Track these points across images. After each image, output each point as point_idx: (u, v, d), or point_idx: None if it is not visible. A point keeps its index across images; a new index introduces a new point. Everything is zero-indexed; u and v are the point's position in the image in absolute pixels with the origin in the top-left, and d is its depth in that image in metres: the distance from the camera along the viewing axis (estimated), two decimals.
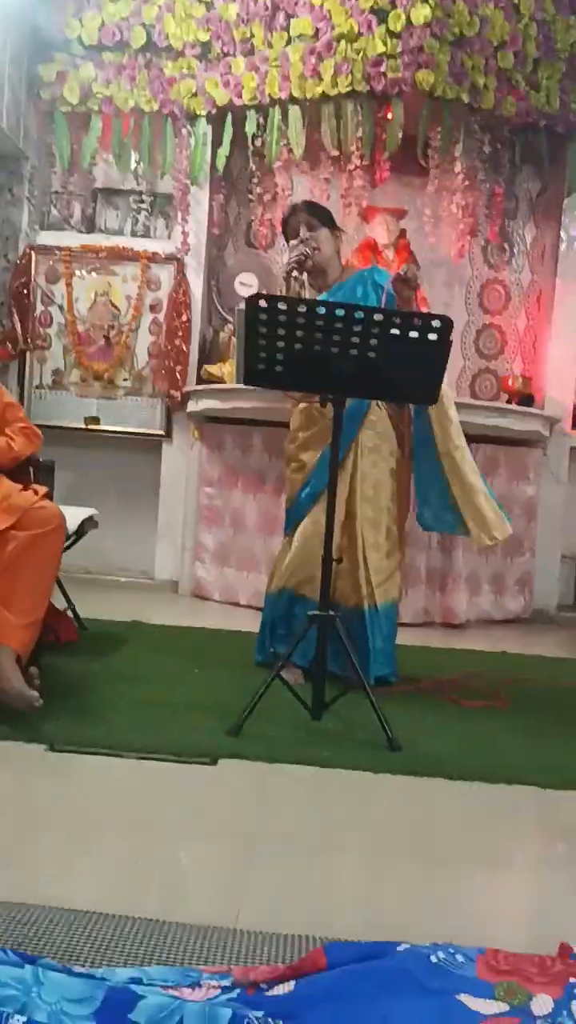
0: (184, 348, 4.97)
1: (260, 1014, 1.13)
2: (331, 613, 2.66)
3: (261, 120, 4.80)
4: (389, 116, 4.59)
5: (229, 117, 4.85)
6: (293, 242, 3.21)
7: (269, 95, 4.69)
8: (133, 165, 5.08)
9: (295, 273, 3.12)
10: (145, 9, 4.77)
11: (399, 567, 3.31)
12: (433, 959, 1.31)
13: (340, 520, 3.10)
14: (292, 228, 3.26)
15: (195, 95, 4.84)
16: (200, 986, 1.23)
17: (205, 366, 4.99)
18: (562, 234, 5.08)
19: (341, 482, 3.03)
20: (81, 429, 5.05)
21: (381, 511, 3.20)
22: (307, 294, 3.19)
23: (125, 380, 5.05)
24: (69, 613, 3.61)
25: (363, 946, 1.33)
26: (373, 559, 3.17)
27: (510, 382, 5.13)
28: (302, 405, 3.26)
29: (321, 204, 3.37)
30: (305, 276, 3.14)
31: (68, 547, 3.30)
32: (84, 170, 5.10)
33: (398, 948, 1.33)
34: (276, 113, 4.74)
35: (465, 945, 1.37)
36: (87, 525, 3.61)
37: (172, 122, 4.94)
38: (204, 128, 4.92)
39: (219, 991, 1.22)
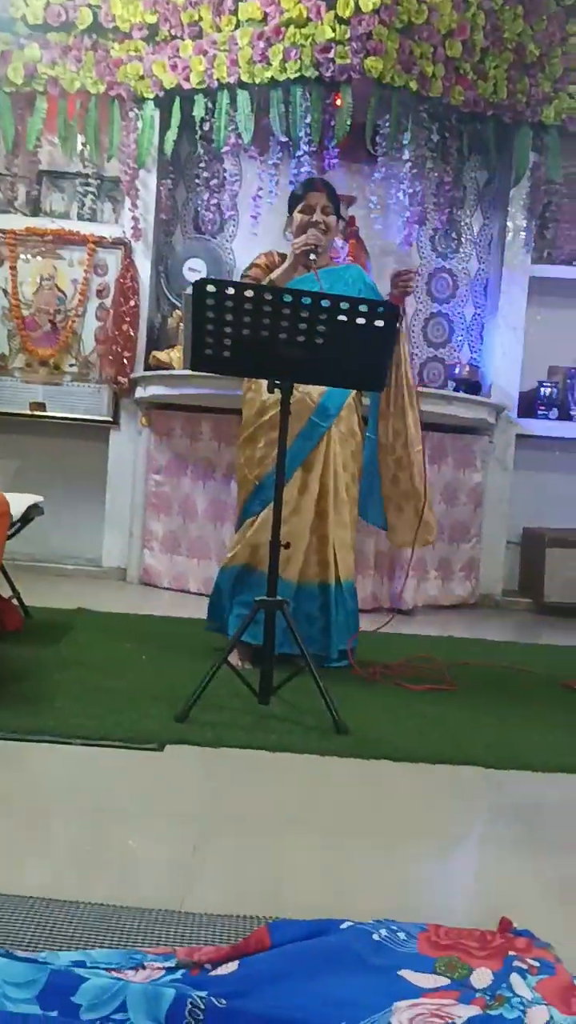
0: (132, 334, 4.92)
1: (204, 994, 1.13)
2: (279, 599, 2.67)
3: (209, 104, 4.76)
4: (338, 103, 4.58)
5: (177, 101, 4.80)
6: (304, 217, 3.19)
7: (217, 79, 4.65)
8: (79, 148, 5.01)
9: (311, 256, 3.12)
10: None
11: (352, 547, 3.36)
12: (375, 936, 1.33)
13: (313, 497, 3.15)
14: (307, 204, 3.22)
15: (142, 78, 4.79)
16: (144, 968, 1.23)
17: (153, 352, 4.96)
18: (508, 223, 5.12)
19: (316, 459, 3.15)
20: (26, 415, 4.98)
21: (348, 489, 3.26)
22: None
23: (71, 366, 4.99)
24: (14, 601, 3.57)
25: (307, 924, 1.34)
26: (339, 536, 3.20)
27: (457, 370, 5.17)
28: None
29: (334, 188, 3.32)
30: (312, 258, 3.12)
31: (13, 534, 3.27)
32: (29, 152, 5.01)
33: (341, 926, 1.35)
34: (224, 97, 4.70)
35: (409, 922, 1.39)
36: (32, 512, 3.57)
37: (119, 105, 4.88)
38: (152, 111, 4.86)
39: (163, 972, 1.22)
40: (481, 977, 1.26)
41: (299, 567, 3.16)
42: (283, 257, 3.29)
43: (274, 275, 3.16)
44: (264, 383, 2.80)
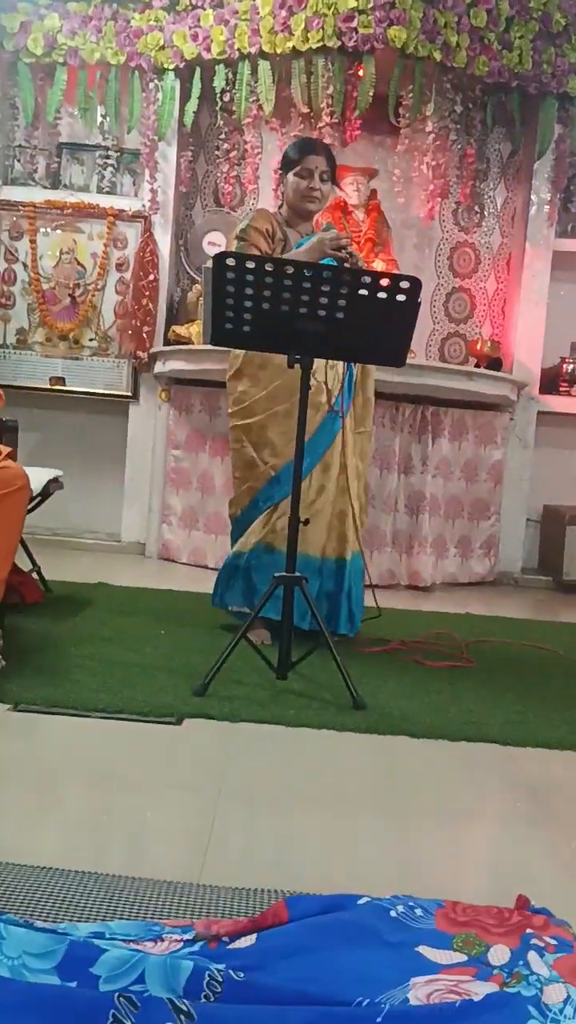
0: (151, 308, 4.90)
1: (222, 967, 1.14)
2: (298, 575, 2.67)
3: (230, 75, 4.71)
4: (360, 73, 4.53)
5: (198, 71, 4.76)
6: (302, 182, 3.13)
7: (238, 49, 4.60)
8: (99, 119, 4.97)
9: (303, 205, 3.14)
10: None
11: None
12: (393, 913, 1.33)
13: (335, 473, 3.13)
14: (305, 168, 3.12)
15: (163, 48, 4.74)
16: (162, 940, 1.24)
17: (173, 327, 4.94)
18: (532, 197, 5.05)
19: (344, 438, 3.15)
20: (46, 390, 4.98)
21: (361, 464, 3.26)
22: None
23: (91, 340, 4.98)
24: (34, 575, 3.59)
25: (324, 899, 1.35)
26: (356, 510, 3.20)
27: (479, 346, 5.13)
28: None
29: (333, 154, 3.25)
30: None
31: (33, 508, 3.28)
32: (48, 124, 4.98)
33: (359, 901, 1.35)
34: (245, 68, 4.66)
35: (425, 898, 1.40)
36: (52, 486, 3.58)
37: (139, 76, 4.84)
38: (172, 82, 4.82)
39: (181, 944, 1.23)
40: (498, 954, 1.26)
41: (321, 543, 3.14)
42: (284, 222, 3.23)
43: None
44: (276, 360, 2.78)
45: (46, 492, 3.52)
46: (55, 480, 3.62)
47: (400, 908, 1.34)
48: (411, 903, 1.37)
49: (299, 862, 1.62)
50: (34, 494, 3.12)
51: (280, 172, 3.26)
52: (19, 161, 5.07)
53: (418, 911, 1.35)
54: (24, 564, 3.48)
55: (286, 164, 3.20)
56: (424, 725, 2.40)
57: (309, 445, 2.86)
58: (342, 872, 1.58)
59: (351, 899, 1.35)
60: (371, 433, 3.38)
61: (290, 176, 3.17)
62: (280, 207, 3.28)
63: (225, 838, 1.67)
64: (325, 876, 1.54)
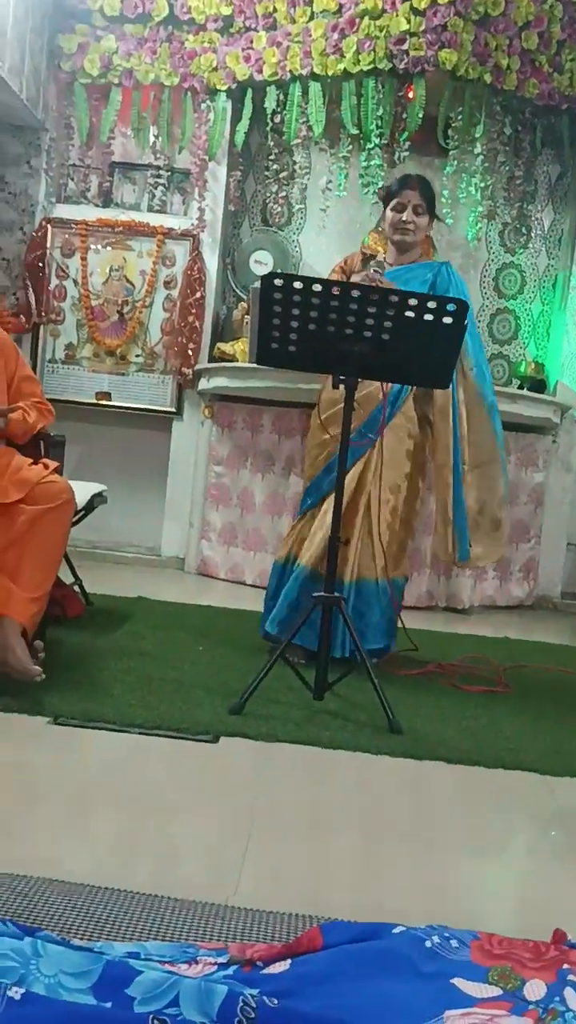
0: (197, 325, 4.95)
1: (256, 992, 1.14)
2: (337, 595, 2.67)
3: (281, 96, 4.76)
4: (410, 95, 4.54)
5: (249, 92, 4.81)
6: (395, 215, 3.17)
7: (290, 71, 4.65)
8: (151, 139, 5.05)
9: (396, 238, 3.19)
10: None
11: (403, 547, 3.31)
12: (428, 943, 1.32)
13: (365, 499, 3.15)
14: (399, 202, 3.17)
15: (215, 69, 4.80)
16: (197, 962, 1.24)
17: (218, 344, 4.98)
18: None
19: (370, 458, 3.16)
20: (92, 404, 5.04)
21: (394, 487, 3.21)
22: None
23: (137, 356, 5.04)
24: (75, 588, 3.62)
25: (359, 927, 1.34)
26: (385, 535, 3.18)
27: (522, 368, 5.10)
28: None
29: (431, 187, 3.26)
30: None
31: (76, 522, 3.31)
32: (102, 143, 5.07)
33: (393, 930, 1.34)
34: (296, 89, 4.70)
35: (460, 928, 1.38)
36: (96, 501, 3.62)
37: (192, 96, 4.90)
38: (224, 103, 4.88)
39: (215, 968, 1.23)
40: (534, 989, 1.25)
41: (351, 564, 3.13)
42: (363, 258, 3.27)
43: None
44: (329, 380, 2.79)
45: (90, 506, 3.56)
46: (99, 494, 3.66)
47: (435, 939, 1.33)
48: (446, 934, 1.36)
49: (332, 887, 1.61)
50: (78, 508, 3.16)
51: (383, 208, 3.31)
52: (72, 180, 5.16)
53: (453, 942, 1.34)
54: (66, 577, 3.52)
55: (385, 199, 3.28)
56: (460, 751, 2.38)
57: (331, 464, 2.94)
58: (375, 899, 1.57)
59: (386, 927, 1.34)
60: (407, 445, 3.26)
61: (387, 211, 3.23)
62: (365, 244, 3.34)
63: (259, 860, 1.68)
64: (358, 902, 1.54)
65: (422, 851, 1.82)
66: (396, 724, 2.49)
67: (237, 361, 4.78)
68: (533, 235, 5.26)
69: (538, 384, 5.02)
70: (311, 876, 1.64)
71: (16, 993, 1.09)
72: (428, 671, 3.20)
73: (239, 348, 4.81)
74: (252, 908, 1.45)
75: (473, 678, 3.17)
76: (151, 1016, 1.06)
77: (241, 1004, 1.11)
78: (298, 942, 1.29)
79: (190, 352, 4.93)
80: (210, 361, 4.96)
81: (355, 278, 3.07)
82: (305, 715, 2.55)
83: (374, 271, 3.05)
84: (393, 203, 3.21)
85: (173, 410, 5.05)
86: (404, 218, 3.17)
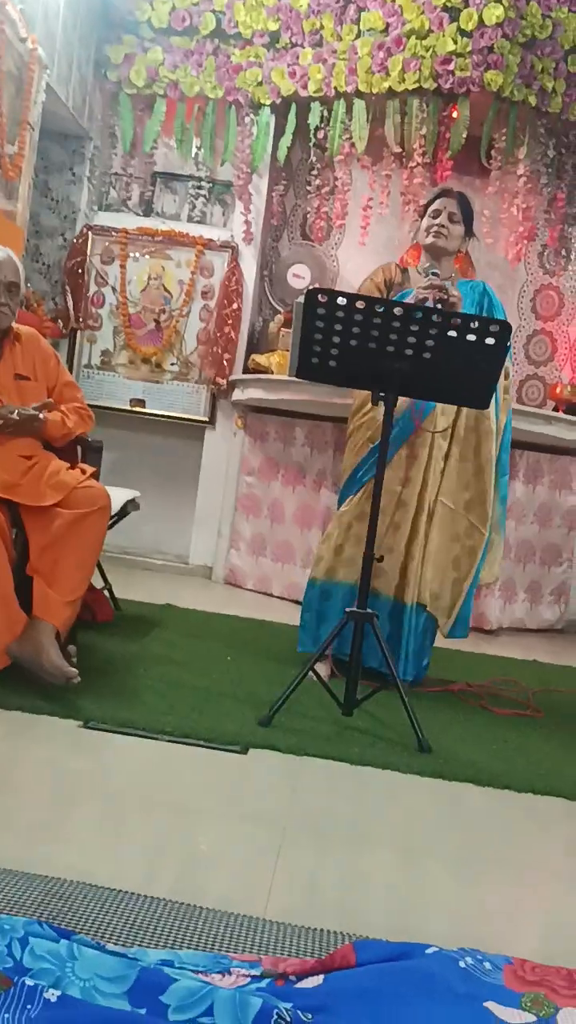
0: (233, 336, 4.97)
1: (289, 1006, 1.14)
2: (369, 611, 2.66)
3: (325, 112, 4.79)
4: (454, 115, 4.56)
5: (293, 108, 4.84)
6: (430, 220, 3.17)
7: (335, 88, 4.67)
8: (194, 151, 5.09)
9: (428, 240, 3.17)
10: None
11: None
12: (462, 964, 1.31)
13: (411, 514, 3.13)
14: (435, 209, 3.18)
15: (260, 84, 4.84)
16: (230, 973, 1.24)
17: (253, 355, 5.00)
18: None
19: (416, 472, 3.13)
20: (126, 411, 5.08)
21: (454, 506, 3.18)
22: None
23: (173, 365, 5.07)
24: (106, 593, 3.64)
25: (393, 946, 1.33)
26: (431, 557, 3.16)
27: (558, 390, 5.08)
28: None
29: (470, 203, 3.25)
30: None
31: (110, 527, 3.32)
32: (145, 153, 5.12)
33: (427, 951, 1.34)
34: (341, 106, 4.72)
35: (490, 952, 1.37)
36: (129, 507, 3.64)
37: (236, 110, 4.94)
38: (267, 118, 4.91)
39: (248, 980, 1.23)
40: (568, 1018, 1.24)
41: (393, 583, 3.13)
42: (401, 272, 3.28)
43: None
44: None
45: (123, 512, 3.57)
46: (132, 501, 3.67)
47: (468, 960, 1.33)
48: (479, 956, 1.35)
49: (363, 903, 1.60)
50: (112, 514, 3.17)
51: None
52: (115, 188, 5.21)
53: (487, 965, 1.33)
54: (96, 582, 3.54)
55: (423, 210, 3.27)
56: (490, 773, 2.36)
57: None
58: (405, 917, 1.56)
59: (419, 947, 1.34)
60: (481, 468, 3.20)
61: (424, 219, 3.23)
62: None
63: (290, 873, 1.67)
64: (388, 920, 1.53)
65: (453, 873, 1.81)
66: (425, 743, 2.48)
67: (272, 373, 4.79)
68: (573, 257, 5.25)
69: (573, 407, 5.00)
70: (343, 892, 1.64)
71: (52, 995, 1.09)
72: (457, 689, 3.18)
73: (274, 360, 4.83)
74: (285, 922, 1.44)
75: (502, 700, 3.15)
76: None
77: (275, 1017, 1.11)
78: (331, 958, 1.29)
79: (225, 362, 4.95)
80: (244, 372, 4.98)
81: (419, 286, 3.05)
82: (334, 730, 2.55)
83: (432, 276, 3.02)
84: (430, 210, 3.21)
85: (206, 419, 5.07)
86: (439, 222, 3.17)
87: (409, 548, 3.14)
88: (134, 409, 5.07)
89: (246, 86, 4.85)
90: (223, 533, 5.05)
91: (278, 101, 4.84)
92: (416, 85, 4.50)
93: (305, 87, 4.74)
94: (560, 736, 2.83)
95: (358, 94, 4.66)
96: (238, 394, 4.93)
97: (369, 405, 3.05)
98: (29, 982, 1.10)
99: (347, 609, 2.69)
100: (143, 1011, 1.11)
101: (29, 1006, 1.08)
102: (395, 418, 3.01)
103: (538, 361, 5.29)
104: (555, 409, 4.98)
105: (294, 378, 2.86)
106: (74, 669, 2.46)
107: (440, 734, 2.62)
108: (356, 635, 2.67)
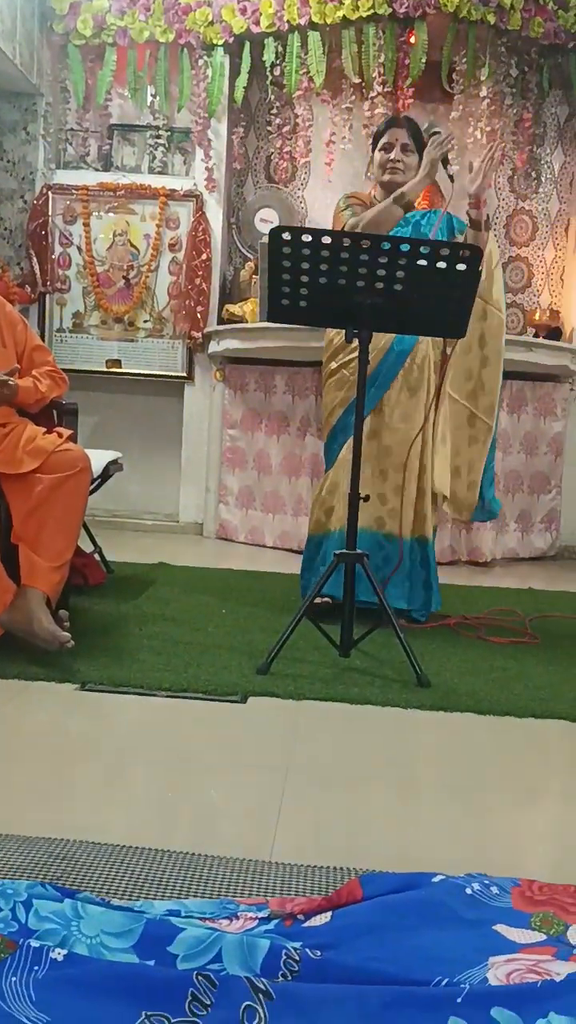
0: (204, 288, 4.89)
1: (298, 945, 1.14)
2: (359, 552, 2.64)
3: (280, 48, 4.66)
4: (412, 40, 4.44)
5: (247, 46, 4.71)
6: (383, 155, 3.13)
7: (288, 21, 4.54)
8: (149, 99, 4.95)
9: (385, 178, 3.12)
10: None
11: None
12: (468, 890, 1.31)
13: (418, 452, 3.12)
14: (387, 142, 3.12)
15: (211, 23, 4.70)
16: (237, 918, 1.24)
17: (226, 305, 4.92)
18: None
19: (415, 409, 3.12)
20: (103, 372, 5.01)
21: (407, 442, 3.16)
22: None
23: (146, 322, 4.99)
24: (96, 556, 3.62)
25: (399, 877, 1.33)
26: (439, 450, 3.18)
27: (537, 316, 5.02)
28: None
29: (420, 129, 3.17)
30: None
31: (93, 490, 3.29)
32: (99, 106, 4.98)
33: (433, 879, 1.33)
34: (295, 40, 4.60)
35: (498, 876, 1.38)
36: (112, 468, 3.60)
37: (188, 53, 4.81)
38: (221, 58, 4.78)
39: (256, 922, 1.23)
40: None
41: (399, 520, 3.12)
42: (376, 197, 3.20)
43: (368, 215, 3.05)
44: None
45: (106, 474, 3.54)
46: (114, 462, 3.64)
47: (476, 886, 1.33)
48: (486, 881, 1.35)
49: (368, 839, 1.61)
50: (94, 476, 3.14)
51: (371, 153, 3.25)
52: (71, 144, 5.09)
53: (494, 889, 1.33)
54: (86, 546, 3.52)
55: (373, 142, 3.21)
56: (490, 702, 2.37)
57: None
58: (412, 850, 1.57)
59: (426, 877, 1.34)
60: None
61: (375, 153, 3.17)
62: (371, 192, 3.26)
63: (294, 815, 1.67)
64: (395, 854, 1.53)
65: (458, 801, 1.81)
66: (424, 678, 2.48)
67: (247, 322, 4.72)
68: (544, 179, 5.15)
69: (554, 332, 4.94)
70: (348, 829, 1.64)
71: (59, 955, 1.09)
72: (454, 623, 3.19)
73: (248, 309, 4.75)
74: (290, 863, 1.44)
75: (499, 630, 3.15)
76: (195, 973, 1.05)
77: (284, 957, 1.11)
78: (338, 894, 1.29)
79: (199, 315, 4.88)
80: (219, 323, 4.91)
81: (432, 146, 3.02)
82: (332, 672, 2.55)
83: (435, 135, 3.02)
84: (381, 143, 3.15)
85: (184, 375, 5.01)
86: (392, 156, 3.11)
87: (420, 484, 3.12)
88: (111, 370, 5.00)
89: (196, 27, 4.71)
90: (211, 488, 5.02)
91: (231, 40, 4.71)
92: (371, 12, 4.39)
93: (257, 23, 4.61)
94: (558, 660, 2.83)
95: (312, 26, 4.53)
96: (214, 346, 4.86)
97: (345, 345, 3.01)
98: (35, 943, 1.10)
99: (336, 551, 2.68)
100: (151, 963, 1.11)
101: (36, 967, 1.07)
102: (383, 355, 3.00)
103: (515, 288, 5.22)
104: (535, 335, 4.92)
105: (268, 324, 2.81)
106: (67, 634, 2.45)
107: (439, 668, 2.63)
108: (347, 577, 2.66)
